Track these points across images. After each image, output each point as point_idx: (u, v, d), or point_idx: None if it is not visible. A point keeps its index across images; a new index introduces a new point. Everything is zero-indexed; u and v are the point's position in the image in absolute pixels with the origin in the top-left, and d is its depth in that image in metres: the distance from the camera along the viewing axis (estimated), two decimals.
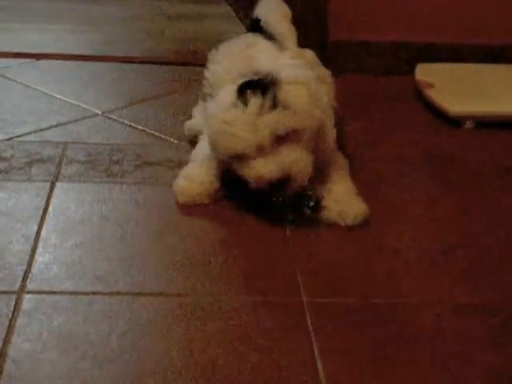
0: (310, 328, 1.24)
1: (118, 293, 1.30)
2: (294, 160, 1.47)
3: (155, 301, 1.29)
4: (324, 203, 1.56)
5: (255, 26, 1.80)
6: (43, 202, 1.54)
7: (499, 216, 1.61)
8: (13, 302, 1.25)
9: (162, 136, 1.87)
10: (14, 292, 1.28)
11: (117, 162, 1.72)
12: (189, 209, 1.57)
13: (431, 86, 2.14)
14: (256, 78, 1.50)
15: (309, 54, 1.83)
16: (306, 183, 1.50)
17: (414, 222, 1.58)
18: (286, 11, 1.85)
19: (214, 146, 1.54)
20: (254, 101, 1.45)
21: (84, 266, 1.36)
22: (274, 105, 1.45)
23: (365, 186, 1.60)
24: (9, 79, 2.07)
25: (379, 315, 1.28)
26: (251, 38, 1.79)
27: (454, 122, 2.03)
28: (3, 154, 1.69)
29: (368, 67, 2.37)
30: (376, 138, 1.93)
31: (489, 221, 1.59)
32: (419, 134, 1.97)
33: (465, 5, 2.35)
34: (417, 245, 1.49)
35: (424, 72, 2.22)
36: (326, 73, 1.85)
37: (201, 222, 1.53)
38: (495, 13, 2.36)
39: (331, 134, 1.60)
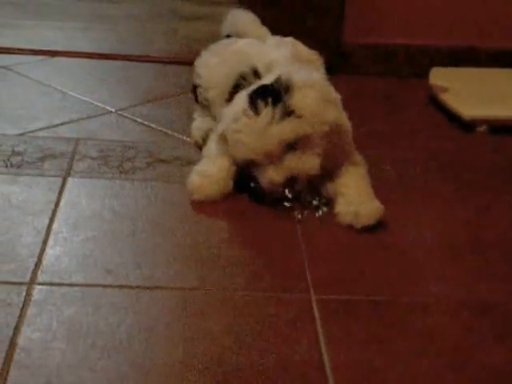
0: (318, 323, 1.25)
1: (128, 286, 1.31)
2: (303, 166, 1.50)
3: (164, 294, 1.30)
4: (337, 208, 1.56)
5: None
6: (55, 197, 1.55)
7: None
8: (23, 293, 1.27)
9: (175, 134, 1.88)
10: (24, 283, 1.29)
11: (129, 159, 1.73)
12: (199, 205, 1.58)
13: (445, 89, 2.14)
14: (268, 83, 1.52)
15: (289, 40, 1.82)
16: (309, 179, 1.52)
17: (427, 224, 1.58)
18: (252, 17, 1.90)
19: (231, 152, 1.57)
20: (265, 111, 1.47)
21: (95, 259, 1.38)
22: (286, 113, 1.47)
23: (377, 189, 1.61)
24: (23, 75, 2.08)
25: (387, 312, 1.29)
26: (231, 39, 1.85)
27: (467, 126, 2.03)
28: (16, 149, 1.71)
29: (382, 70, 2.37)
30: (389, 141, 1.94)
31: (502, 223, 1.59)
32: (433, 138, 1.98)
33: (479, 9, 2.35)
34: (428, 245, 1.50)
35: (438, 76, 2.23)
36: (313, 54, 1.83)
37: (211, 218, 1.54)
38: (510, 17, 2.37)
39: (348, 131, 1.61)
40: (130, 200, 1.58)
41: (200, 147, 1.76)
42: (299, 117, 1.47)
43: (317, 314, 1.27)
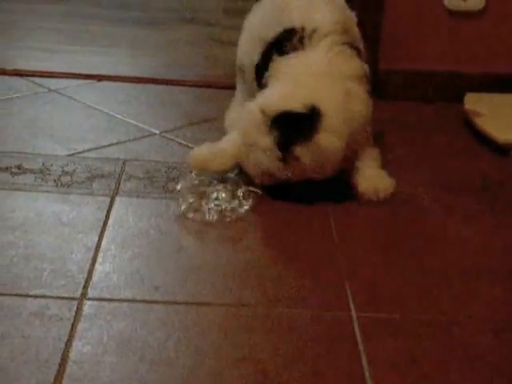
0: (359, 342, 1.27)
1: (175, 302, 1.35)
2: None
3: (210, 311, 1.33)
4: (356, 182, 1.70)
5: None
6: (103, 215, 1.60)
7: None
8: (75, 308, 1.31)
9: None
10: (75, 298, 1.34)
11: (173, 179, 1.78)
12: (244, 222, 1.62)
13: (480, 114, 2.17)
14: (298, 112, 1.55)
15: None
16: None
17: (465, 246, 1.60)
18: None
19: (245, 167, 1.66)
20: (297, 150, 1.56)
21: (142, 276, 1.42)
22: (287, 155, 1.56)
23: (411, 210, 1.64)
24: (71, 98, 2.15)
25: (429, 331, 1.31)
26: None
27: (502, 150, 2.05)
28: (66, 169, 1.77)
29: (418, 95, 2.40)
30: (424, 164, 1.96)
31: None
32: (467, 162, 2.00)
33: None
34: (467, 267, 1.52)
35: (473, 101, 2.25)
36: (354, 19, 1.84)
37: (255, 236, 1.58)
38: None
39: (364, 141, 1.70)
40: (176, 218, 1.62)
41: None
42: (317, 154, 1.58)
43: (358, 333, 1.30)
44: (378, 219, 1.67)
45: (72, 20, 2.80)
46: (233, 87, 2.07)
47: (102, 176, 1.76)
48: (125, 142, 1.95)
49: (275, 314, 1.33)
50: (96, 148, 1.89)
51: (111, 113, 2.10)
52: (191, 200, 1.62)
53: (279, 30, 1.69)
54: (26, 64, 2.35)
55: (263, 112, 1.57)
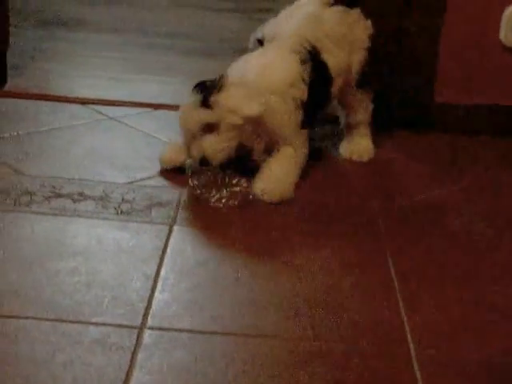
0: (419, 380, 1.27)
1: (233, 333, 1.36)
2: (210, 147, 1.82)
3: (268, 343, 1.34)
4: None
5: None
6: (162, 244, 1.62)
7: None
8: (135, 337, 1.33)
9: None
10: (136, 327, 1.35)
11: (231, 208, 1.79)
12: (303, 253, 1.62)
13: None
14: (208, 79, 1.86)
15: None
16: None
17: None
18: None
19: None
20: (191, 99, 1.83)
21: (201, 305, 1.43)
22: (204, 103, 1.81)
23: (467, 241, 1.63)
24: (130, 126, 2.18)
25: (493, 371, 1.30)
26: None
27: None
28: (126, 197, 1.79)
29: (473, 129, 2.39)
30: (480, 199, 1.95)
31: None
32: None
33: None
34: None
35: None
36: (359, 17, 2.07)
37: (314, 265, 1.58)
38: None
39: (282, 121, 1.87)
40: (233, 249, 1.63)
41: None
42: (211, 108, 1.81)
43: (418, 372, 1.29)
44: (440, 250, 1.68)
45: (129, 49, 2.84)
46: None
47: (161, 204, 1.78)
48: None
49: (333, 349, 1.33)
50: (155, 176, 1.91)
51: (169, 141, 2.11)
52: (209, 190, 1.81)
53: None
54: (86, 92, 2.39)
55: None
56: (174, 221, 1.72)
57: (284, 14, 2.04)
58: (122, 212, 1.73)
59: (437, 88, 2.35)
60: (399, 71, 2.32)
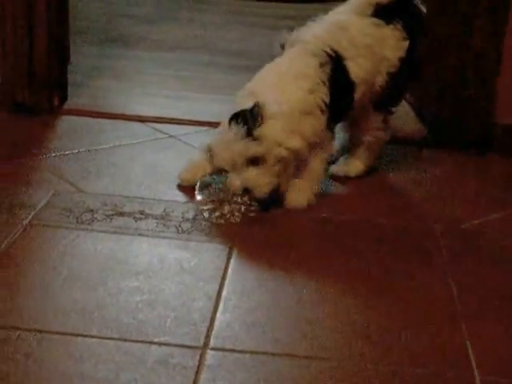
0: None
1: (296, 355, 1.35)
2: (254, 179, 1.81)
3: (331, 366, 1.33)
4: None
5: None
6: (223, 263, 1.62)
7: None
8: (198, 357, 1.33)
9: None
10: (198, 347, 1.35)
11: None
12: (364, 275, 1.61)
13: None
14: (246, 110, 1.81)
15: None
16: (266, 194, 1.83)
17: None
18: None
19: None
20: (234, 130, 1.80)
21: (262, 326, 1.42)
22: (248, 134, 1.79)
23: None
24: (189, 145, 2.18)
25: None
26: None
27: None
28: (186, 215, 1.80)
29: None
30: None
31: None
32: None
33: None
34: None
35: None
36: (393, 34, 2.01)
37: (368, 290, 1.57)
38: None
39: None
40: (295, 270, 1.62)
41: None
42: (257, 139, 1.79)
43: None
44: (503, 274, 1.65)
45: (188, 67, 2.86)
46: None
47: (221, 223, 1.78)
48: None
49: (397, 372, 1.32)
50: None
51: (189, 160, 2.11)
52: (212, 206, 1.83)
53: None
54: (145, 110, 2.41)
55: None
56: (235, 240, 1.72)
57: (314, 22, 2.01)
58: (182, 231, 1.73)
59: (498, 109, 2.32)
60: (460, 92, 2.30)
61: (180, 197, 1.89)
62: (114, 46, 3.07)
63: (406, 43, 2.01)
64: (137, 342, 1.36)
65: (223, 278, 1.57)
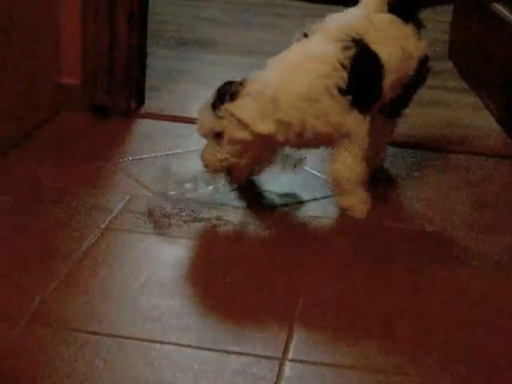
0: None
1: (375, 369, 1.33)
2: (211, 154, 1.77)
3: (409, 380, 1.30)
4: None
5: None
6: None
7: None
8: (276, 368, 1.31)
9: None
10: (277, 358, 1.33)
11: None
12: (413, 297, 1.57)
13: None
14: (229, 82, 1.77)
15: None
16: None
17: None
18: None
19: None
20: (207, 103, 1.76)
21: (346, 340, 1.40)
22: (214, 107, 1.74)
23: None
24: None
25: None
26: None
27: None
28: (265, 222, 1.79)
29: None
30: None
31: None
32: None
33: None
34: None
35: None
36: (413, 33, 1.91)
37: (422, 305, 1.53)
38: None
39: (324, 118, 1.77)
40: (364, 285, 1.60)
41: None
42: (222, 118, 1.72)
43: None
44: None
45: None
46: (428, 148, 2.03)
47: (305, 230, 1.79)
48: (320, 198, 1.94)
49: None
50: (296, 203, 1.90)
51: (306, 168, 2.08)
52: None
53: None
54: None
55: None
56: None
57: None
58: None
59: None
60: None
61: (257, 203, 1.87)
62: (189, 49, 3.08)
63: (424, 43, 1.93)
64: (215, 350, 1.34)
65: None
